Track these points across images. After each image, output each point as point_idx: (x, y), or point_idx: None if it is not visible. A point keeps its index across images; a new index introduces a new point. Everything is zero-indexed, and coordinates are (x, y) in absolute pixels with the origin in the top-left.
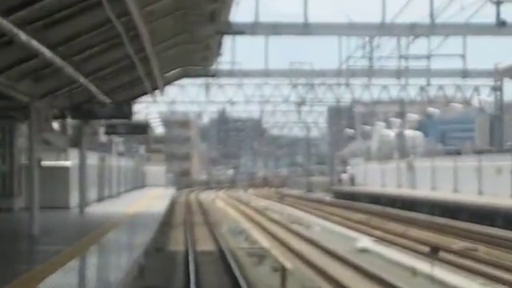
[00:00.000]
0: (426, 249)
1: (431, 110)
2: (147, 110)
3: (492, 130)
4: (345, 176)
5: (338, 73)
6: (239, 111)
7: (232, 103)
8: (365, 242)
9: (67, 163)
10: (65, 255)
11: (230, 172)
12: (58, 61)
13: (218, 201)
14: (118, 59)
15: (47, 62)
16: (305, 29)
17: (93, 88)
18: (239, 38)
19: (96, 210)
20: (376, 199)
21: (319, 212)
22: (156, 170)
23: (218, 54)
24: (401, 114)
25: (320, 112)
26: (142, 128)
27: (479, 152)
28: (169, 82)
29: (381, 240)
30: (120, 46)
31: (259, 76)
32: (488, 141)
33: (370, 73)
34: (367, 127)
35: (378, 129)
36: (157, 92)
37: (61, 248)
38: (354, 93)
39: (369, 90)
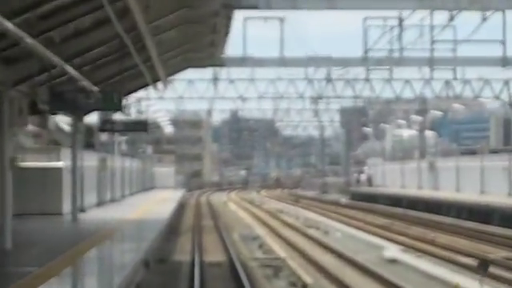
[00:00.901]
0: (463, 259)
1: (456, 106)
2: (154, 107)
3: (507, 129)
4: (363, 176)
5: (361, 61)
6: (251, 109)
7: (243, 99)
8: (392, 250)
9: (60, 164)
10: (31, 280)
11: (242, 173)
12: (31, 41)
13: (229, 203)
14: (106, 40)
15: (16, 40)
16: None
17: (78, 76)
18: (250, 25)
19: (93, 215)
20: (396, 201)
21: (336, 215)
22: (165, 171)
23: (226, 33)
24: (422, 112)
25: (337, 110)
26: (142, 125)
27: (494, 151)
28: (172, 72)
29: (409, 248)
30: (108, 25)
31: (274, 65)
32: (502, 140)
33: (397, 61)
34: (383, 126)
35: (391, 129)
36: (159, 85)
37: (31, 269)
38: (374, 88)
39: (390, 84)
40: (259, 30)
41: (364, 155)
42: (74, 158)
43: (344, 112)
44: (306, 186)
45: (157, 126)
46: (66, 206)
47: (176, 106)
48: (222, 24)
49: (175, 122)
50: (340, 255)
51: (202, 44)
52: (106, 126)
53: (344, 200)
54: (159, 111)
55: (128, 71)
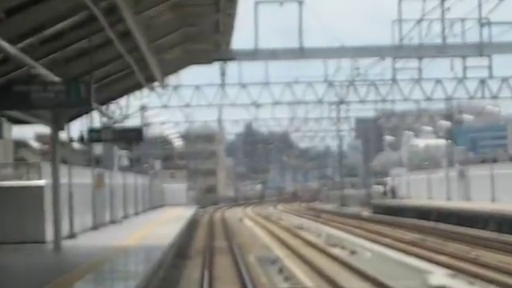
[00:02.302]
0: None
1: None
2: (159, 117)
3: None
4: (387, 188)
5: (397, 49)
6: (266, 119)
7: (257, 106)
8: (438, 276)
9: (41, 182)
10: None
11: (258, 187)
12: None
13: (245, 220)
14: (78, 23)
15: None
16: None
17: (30, 63)
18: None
19: (83, 242)
20: (424, 214)
21: (360, 231)
22: (176, 187)
23: (232, 13)
24: (449, 117)
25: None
26: (135, 133)
27: None
28: (170, 70)
29: (451, 269)
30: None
31: (291, 57)
32: None
33: (440, 49)
34: (406, 133)
35: (406, 139)
36: (156, 85)
37: None
38: (402, 90)
39: (419, 85)
40: (274, 17)
41: (381, 166)
42: (54, 174)
43: (360, 123)
44: (323, 199)
45: (167, 141)
46: (51, 233)
47: (183, 113)
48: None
49: (186, 136)
50: (375, 282)
51: (204, 28)
52: (92, 135)
53: (366, 213)
54: (166, 122)
55: (111, 64)
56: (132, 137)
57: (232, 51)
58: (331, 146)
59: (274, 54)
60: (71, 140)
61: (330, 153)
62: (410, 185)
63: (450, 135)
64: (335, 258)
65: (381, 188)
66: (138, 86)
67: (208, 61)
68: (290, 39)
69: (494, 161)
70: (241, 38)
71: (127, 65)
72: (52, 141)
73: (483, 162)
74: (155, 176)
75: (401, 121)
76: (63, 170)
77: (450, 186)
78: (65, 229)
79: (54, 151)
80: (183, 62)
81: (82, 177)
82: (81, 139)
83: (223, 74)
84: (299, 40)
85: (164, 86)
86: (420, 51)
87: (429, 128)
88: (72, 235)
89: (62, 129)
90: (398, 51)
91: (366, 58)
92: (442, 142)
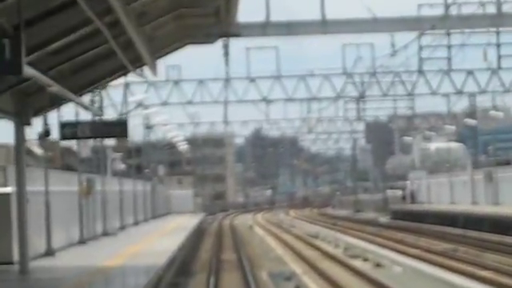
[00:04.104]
0: None
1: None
2: (159, 116)
3: None
4: (406, 192)
5: (442, 20)
6: (277, 120)
7: (268, 102)
8: None
9: (7, 189)
10: None
11: (268, 193)
12: None
13: (255, 227)
14: None
15: None
16: None
17: None
18: None
19: (58, 262)
20: (450, 220)
21: (382, 239)
22: (182, 194)
23: None
24: (472, 115)
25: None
26: (119, 128)
27: None
28: (161, 50)
29: None
30: None
31: (310, 32)
32: None
33: (495, 19)
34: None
35: (418, 142)
36: (145, 70)
37: None
38: (430, 82)
39: (449, 77)
40: None
41: (392, 170)
42: (19, 180)
43: (370, 126)
44: (336, 205)
45: (171, 145)
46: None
47: (186, 113)
48: None
49: (193, 140)
50: None
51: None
52: (65, 131)
53: (383, 219)
54: (169, 124)
55: (78, 33)
56: (115, 133)
57: (237, 24)
58: (345, 149)
59: (289, 28)
60: (47, 134)
61: (342, 156)
62: (431, 189)
63: (459, 139)
64: (359, 273)
65: (398, 192)
66: (121, 70)
67: (208, 38)
68: (310, 10)
69: (507, 163)
70: (249, 11)
71: (101, 35)
72: (15, 139)
73: (508, 163)
74: (160, 182)
75: (411, 123)
76: (37, 174)
77: (476, 190)
78: (41, 245)
79: (19, 151)
80: (177, 39)
81: (67, 183)
82: (45, 135)
83: (226, 54)
84: (321, 11)
85: (155, 71)
86: (470, 22)
87: (452, 127)
88: (49, 252)
89: (28, 124)
90: (443, 22)
91: (404, 31)
92: (453, 145)
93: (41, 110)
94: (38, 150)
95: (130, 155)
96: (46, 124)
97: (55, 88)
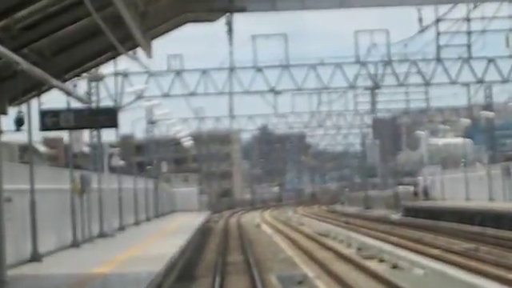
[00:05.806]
0: None
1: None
2: (161, 110)
3: None
4: (420, 188)
5: None
6: (284, 113)
7: (276, 93)
8: None
9: None
10: None
11: (275, 190)
12: None
13: (263, 225)
14: None
15: None
16: None
17: None
18: None
19: (43, 269)
20: (467, 217)
21: (396, 238)
22: (187, 191)
23: None
24: (488, 107)
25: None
26: (107, 117)
27: None
28: (156, 28)
29: None
30: None
31: (325, 6)
32: None
33: None
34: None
35: (425, 137)
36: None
37: None
38: (448, 70)
39: (469, 64)
40: None
41: (401, 165)
42: None
43: (377, 122)
44: (345, 201)
45: (175, 141)
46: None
47: (190, 108)
48: None
49: (198, 137)
50: None
51: None
52: (46, 120)
53: (395, 217)
54: (173, 118)
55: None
56: (103, 122)
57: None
58: (353, 144)
59: (302, 1)
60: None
61: (350, 153)
62: (445, 185)
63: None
64: (377, 277)
65: (410, 188)
66: (109, 50)
67: (210, 14)
68: None
69: None
70: None
71: (83, 6)
72: None
73: None
74: (164, 180)
75: (418, 118)
76: (21, 171)
77: (493, 186)
78: (26, 249)
79: None
80: (174, 14)
81: (57, 180)
82: (17, 124)
83: (230, 30)
84: None
85: (150, 53)
86: None
87: (467, 120)
88: (35, 258)
89: (4, 113)
90: None
91: (434, 4)
92: (464, 140)
93: (17, 97)
94: (41, 148)
95: (130, 152)
96: (19, 112)
97: (33, 70)
